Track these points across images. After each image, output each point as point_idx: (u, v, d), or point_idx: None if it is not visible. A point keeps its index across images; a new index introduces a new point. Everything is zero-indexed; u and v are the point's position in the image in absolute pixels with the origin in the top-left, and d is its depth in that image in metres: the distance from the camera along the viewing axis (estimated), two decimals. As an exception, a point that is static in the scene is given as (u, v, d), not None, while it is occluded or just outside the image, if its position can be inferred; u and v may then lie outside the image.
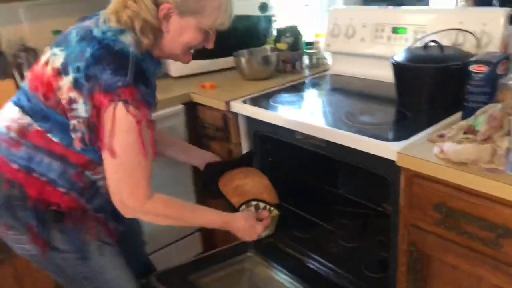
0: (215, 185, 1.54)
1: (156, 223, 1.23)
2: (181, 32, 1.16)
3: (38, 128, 1.13)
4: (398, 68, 1.47)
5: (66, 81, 1.07)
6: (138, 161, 1.10)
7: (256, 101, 1.73)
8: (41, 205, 1.16)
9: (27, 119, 1.14)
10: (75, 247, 1.21)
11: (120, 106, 1.04)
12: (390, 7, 1.86)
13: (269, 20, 2.27)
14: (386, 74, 1.59)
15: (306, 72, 2.10)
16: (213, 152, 1.73)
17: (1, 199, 1.16)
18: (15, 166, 1.14)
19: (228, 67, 2.19)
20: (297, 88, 1.89)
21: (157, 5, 1.11)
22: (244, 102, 1.72)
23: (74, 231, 1.20)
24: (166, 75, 2.20)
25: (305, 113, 1.61)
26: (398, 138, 1.22)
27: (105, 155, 1.10)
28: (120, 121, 1.05)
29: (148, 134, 1.10)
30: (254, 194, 1.46)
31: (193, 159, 1.65)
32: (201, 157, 1.63)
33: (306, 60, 2.17)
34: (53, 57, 1.12)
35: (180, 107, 1.91)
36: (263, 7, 2.25)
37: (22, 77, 1.89)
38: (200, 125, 1.95)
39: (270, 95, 1.79)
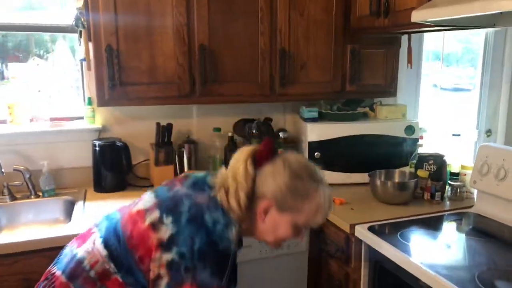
0: None
1: None
2: (276, 226, 1.18)
3: (120, 279, 1.12)
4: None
5: (163, 257, 1.07)
6: None
7: (382, 231, 1.67)
8: None
9: (111, 265, 1.13)
10: None
11: None
12: (555, 157, 1.68)
13: (414, 143, 2.23)
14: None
15: (447, 204, 1.97)
16: (331, 271, 1.70)
17: None
18: None
19: (362, 182, 2.18)
20: (432, 223, 1.77)
21: (254, 198, 1.15)
22: (370, 229, 1.68)
23: None
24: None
25: (435, 258, 1.48)
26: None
27: None
28: None
29: None
30: None
31: None
32: None
33: (448, 191, 2.04)
34: (162, 226, 1.10)
35: (307, 217, 1.95)
36: (410, 129, 2.23)
37: (181, 164, 2.19)
38: (323, 240, 1.96)
39: (400, 226, 1.72)
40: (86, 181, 2.18)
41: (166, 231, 1.09)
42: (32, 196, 2.02)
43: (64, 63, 2.28)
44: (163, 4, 1.91)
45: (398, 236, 1.62)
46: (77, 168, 2.20)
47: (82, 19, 1.91)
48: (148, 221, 1.12)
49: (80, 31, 1.99)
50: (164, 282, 1.07)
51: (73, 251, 1.20)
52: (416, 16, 1.55)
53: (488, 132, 3.16)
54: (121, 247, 1.14)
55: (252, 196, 1.15)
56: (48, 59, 2.27)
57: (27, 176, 2.02)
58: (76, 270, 1.15)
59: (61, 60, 2.28)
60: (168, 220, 1.11)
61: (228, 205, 1.13)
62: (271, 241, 1.23)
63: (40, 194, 2.04)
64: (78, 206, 1.92)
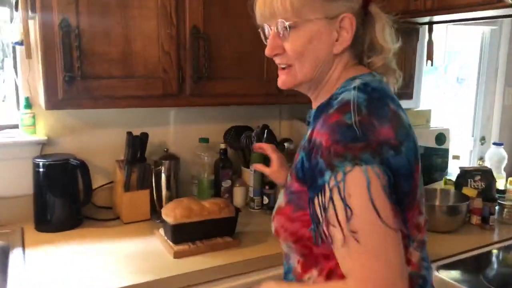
0: None
1: None
2: None
3: None
4: None
5: None
6: None
7: (461, 271, 1.26)
8: None
9: None
10: None
11: None
12: None
13: (445, 154, 1.87)
14: None
15: (497, 231, 1.61)
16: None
17: None
18: None
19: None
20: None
21: None
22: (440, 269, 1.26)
23: None
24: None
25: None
26: None
27: None
28: None
29: None
30: None
31: None
32: None
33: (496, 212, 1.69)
34: None
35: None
36: (440, 138, 1.87)
37: (158, 188, 1.61)
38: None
39: (476, 262, 1.33)
40: (24, 216, 1.53)
41: None
42: None
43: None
44: (143, -34, 1.36)
45: (482, 279, 1.22)
46: (10, 197, 1.54)
47: (21, -19, 1.30)
48: None
49: (17, 1, 1.37)
50: None
51: None
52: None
53: (482, 140, 2.93)
54: None
55: None
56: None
57: None
58: None
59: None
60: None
61: None
62: None
63: (-47, 239, 1.37)
64: (14, 256, 1.28)
